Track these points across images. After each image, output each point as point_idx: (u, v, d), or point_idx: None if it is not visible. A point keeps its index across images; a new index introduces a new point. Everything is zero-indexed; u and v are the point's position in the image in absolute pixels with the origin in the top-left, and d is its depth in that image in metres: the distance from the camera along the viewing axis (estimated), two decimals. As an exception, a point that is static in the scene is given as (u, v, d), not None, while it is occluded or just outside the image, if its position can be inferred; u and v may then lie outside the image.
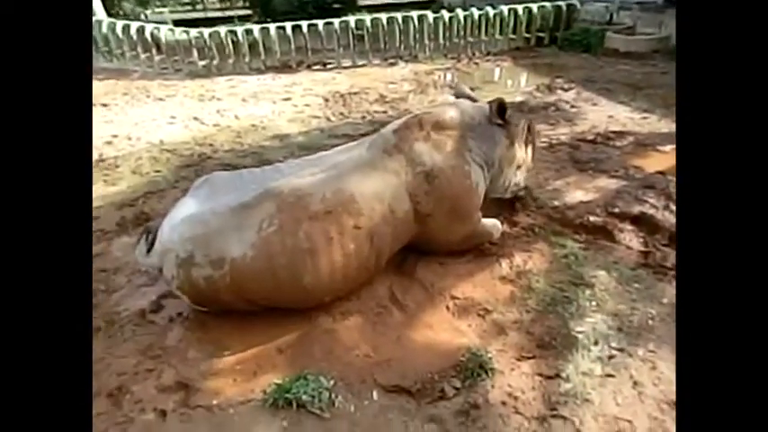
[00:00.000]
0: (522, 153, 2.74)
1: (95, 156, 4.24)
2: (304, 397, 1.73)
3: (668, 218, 2.75)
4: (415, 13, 7.67)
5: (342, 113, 5.24)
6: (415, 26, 7.62)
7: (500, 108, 2.51)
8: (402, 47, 7.82)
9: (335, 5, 10.80)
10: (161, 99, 6.11)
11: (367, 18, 7.63)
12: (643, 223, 2.73)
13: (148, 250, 2.12)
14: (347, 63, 7.60)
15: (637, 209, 2.85)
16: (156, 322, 2.21)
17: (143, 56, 7.58)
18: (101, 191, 3.59)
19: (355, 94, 5.96)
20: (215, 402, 1.78)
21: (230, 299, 2.03)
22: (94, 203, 3.36)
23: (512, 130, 2.63)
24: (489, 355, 1.89)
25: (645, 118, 4.54)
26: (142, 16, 10.38)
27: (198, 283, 1.98)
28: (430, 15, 7.65)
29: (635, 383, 1.77)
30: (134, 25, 7.42)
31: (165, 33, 7.44)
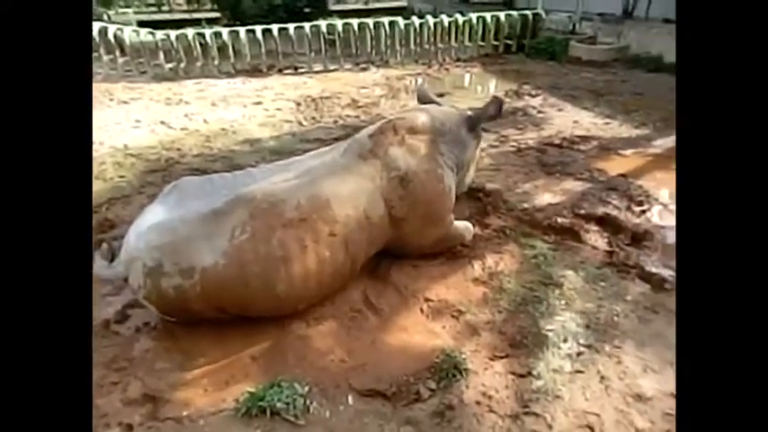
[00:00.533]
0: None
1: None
2: (278, 404, 1.70)
3: (630, 218, 2.88)
4: (386, 19, 7.74)
5: (314, 118, 5.21)
6: (386, 32, 7.69)
7: (499, 109, 2.62)
8: (373, 52, 7.87)
9: (306, 9, 10.78)
10: (125, 102, 5.91)
11: (338, 23, 7.64)
12: (607, 224, 2.85)
13: (111, 260, 2.04)
14: (319, 67, 7.57)
15: (601, 210, 2.96)
16: (121, 333, 2.12)
17: (105, 57, 7.31)
18: (60, 197, 3.43)
19: (327, 98, 5.94)
20: (185, 414, 1.72)
21: (201, 308, 1.97)
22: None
23: (480, 132, 2.71)
24: (463, 356, 1.92)
25: (607, 123, 4.74)
26: (105, 17, 10.01)
27: (167, 292, 1.91)
28: (401, 21, 7.73)
29: (602, 378, 1.83)
30: (96, 26, 7.15)
31: (130, 35, 7.21)
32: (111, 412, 1.73)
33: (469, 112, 2.70)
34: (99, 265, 2.08)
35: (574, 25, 8.19)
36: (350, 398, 1.79)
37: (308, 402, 1.74)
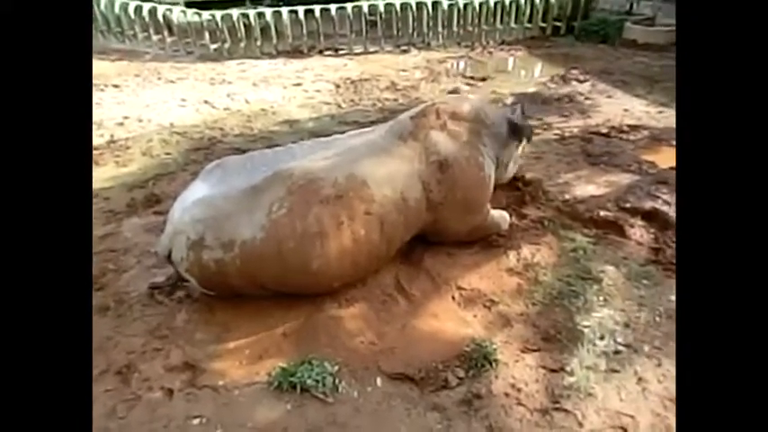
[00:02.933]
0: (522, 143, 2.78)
1: (107, 137, 4.26)
2: (308, 381, 1.75)
3: (681, 214, 2.71)
4: (429, 0, 7.54)
5: (352, 100, 5.20)
6: (428, 13, 7.50)
7: (517, 126, 2.59)
8: (415, 34, 7.70)
9: (349, -10, 10.64)
10: (172, 81, 6.10)
11: (380, 3, 7.51)
12: (655, 219, 2.70)
13: None
14: (359, 49, 7.51)
15: (649, 204, 2.81)
16: (164, 303, 2.23)
17: (155, 37, 7.55)
18: (111, 172, 3.62)
19: (366, 80, 5.90)
20: (221, 383, 1.81)
21: (239, 283, 2.04)
22: (105, 184, 3.39)
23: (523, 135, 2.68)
24: (494, 347, 1.89)
25: (661, 112, 4.45)
26: (154, -3, 10.31)
27: (208, 265, 1.98)
28: (444, 2, 7.51)
29: (639, 379, 1.76)
30: (146, 6, 7.37)
31: (178, 15, 7.39)
32: (154, 377, 1.84)
33: (510, 115, 2.67)
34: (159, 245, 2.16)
35: (631, 5, 7.69)
36: (378, 380, 1.81)
37: (337, 381, 1.78)
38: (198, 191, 2.10)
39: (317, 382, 1.76)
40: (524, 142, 2.76)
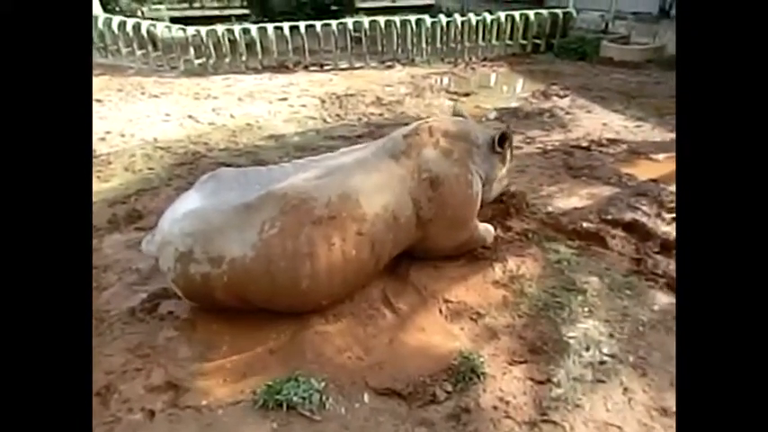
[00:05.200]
0: (507, 164, 2.81)
1: (88, 152, 4.19)
2: (295, 398, 1.72)
3: (660, 225, 2.78)
4: (413, 17, 7.70)
5: (338, 115, 5.23)
6: (412, 30, 7.65)
7: (502, 137, 2.58)
8: (399, 50, 7.84)
9: (333, 7, 10.82)
10: (156, 96, 6.07)
11: (365, 20, 7.65)
12: (635, 230, 2.76)
13: None
14: (344, 65, 7.60)
15: (629, 216, 2.87)
16: (145, 320, 2.18)
17: (139, 52, 7.53)
18: (93, 187, 3.55)
19: (352, 95, 5.96)
20: (204, 403, 1.76)
21: (225, 298, 2.01)
22: (86, 200, 3.32)
23: (505, 155, 2.72)
24: (481, 360, 1.89)
25: (638, 126, 4.59)
26: (138, 13, 10.30)
27: (194, 279, 1.96)
28: (428, 19, 7.68)
29: (625, 389, 1.78)
30: (130, 21, 7.36)
31: (162, 30, 7.40)
32: (134, 398, 1.79)
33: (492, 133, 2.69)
34: (146, 241, 2.14)
35: (606, 24, 7.97)
36: (366, 396, 1.79)
37: (324, 398, 1.75)
38: (190, 202, 2.07)
39: (304, 399, 1.73)
40: (507, 163, 2.80)
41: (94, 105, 5.60)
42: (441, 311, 2.21)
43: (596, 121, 4.77)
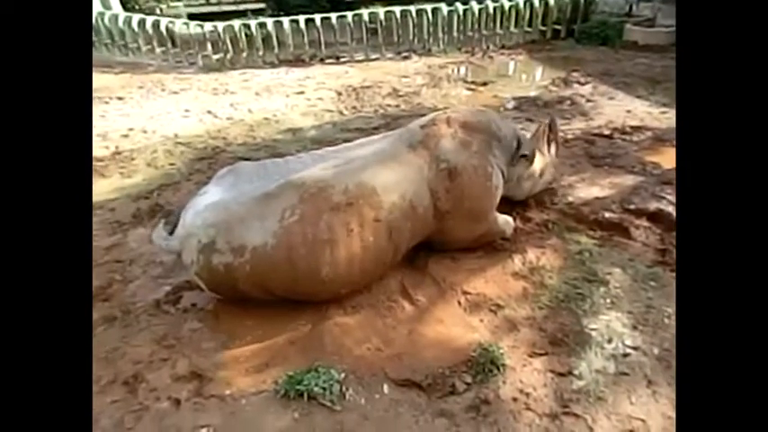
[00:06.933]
0: (545, 158, 2.76)
1: (112, 149, 4.30)
2: (315, 389, 1.75)
3: (686, 215, 2.69)
4: (429, 6, 7.59)
5: (354, 107, 5.22)
6: (428, 19, 7.55)
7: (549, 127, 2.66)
8: (416, 40, 7.75)
9: (349, -1, 10.74)
10: (176, 92, 6.16)
11: (380, 11, 7.57)
12: (660, 220, 2.68)
13: (171, 233, 2.14)
14: (360, 57, 7.56)
15: (654, 205, 2.79)
16: (170, 312, 2.24)
17: (158, 49, 7.64)
18: (117, 183, 3.65)
19: (368, 87, 5.93)
20: (227, 392, 1.80)
21: (248, 288, 2.05)
22: (111, 195, 3.42)
23: (542, 149, 2.72)
24: (501, 351, 1.88)
25: (664, 113, 4.44)
26: (157, 10, 10.44)
27: (217, 269, 1.99)
28: (444, 8, 7.56)
29: (649, 382, 1.74)
30: (149, 19, 7.47)
31: (180, 27, 7.48)
32: (161, 387, 1.84)
33: (520, 134, 2.69)
34: (158, 236, 2.18)
35: (630, 7, 7.70)
36: (385, 387, 1.80)
37: (344, 389, 1.77)
38: (211, 195, 2.11)
39: (324, 389, 1.75)
40: (548, 157, 2.73)
41: (117, 103, 5.73)
42: (459, 303, 2.20)
43: (619, 109, 4.63)
